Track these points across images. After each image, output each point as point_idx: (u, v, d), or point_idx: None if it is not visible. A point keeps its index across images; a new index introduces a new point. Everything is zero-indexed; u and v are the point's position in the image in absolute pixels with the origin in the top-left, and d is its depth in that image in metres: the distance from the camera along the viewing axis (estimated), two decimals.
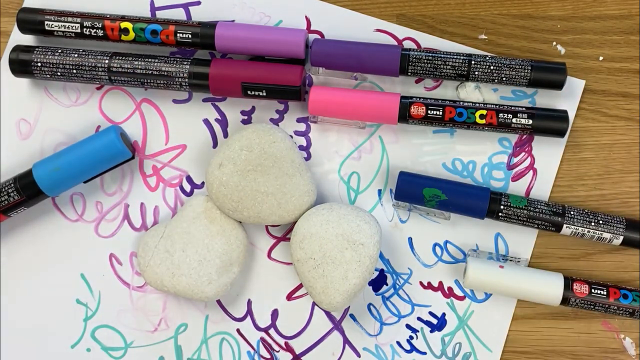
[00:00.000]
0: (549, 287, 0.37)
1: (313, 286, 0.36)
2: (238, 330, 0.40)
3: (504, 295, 0.39)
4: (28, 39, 0.41)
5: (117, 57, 0.39)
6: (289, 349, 0.40)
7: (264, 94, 0.38)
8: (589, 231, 0.37)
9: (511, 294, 0.38)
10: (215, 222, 0.38)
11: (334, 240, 0.36)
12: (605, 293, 0.37)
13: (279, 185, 0.37)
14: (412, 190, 0.38)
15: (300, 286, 0.40)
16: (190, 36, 0.39)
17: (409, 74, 0.39)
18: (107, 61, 0.39)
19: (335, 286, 0.36)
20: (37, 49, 0.39)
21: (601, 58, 0.40)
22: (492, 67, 0.38)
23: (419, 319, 0.40)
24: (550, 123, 0.38)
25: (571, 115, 0.40)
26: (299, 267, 0.37)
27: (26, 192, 0.38)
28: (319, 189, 0.40)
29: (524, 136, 0.40)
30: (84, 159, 0.38)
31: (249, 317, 0.40)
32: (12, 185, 0.38)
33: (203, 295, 0.37)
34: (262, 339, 0.40)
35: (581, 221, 0.37)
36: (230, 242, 0.38)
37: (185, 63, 0.39)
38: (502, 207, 0.37)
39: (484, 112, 0.38)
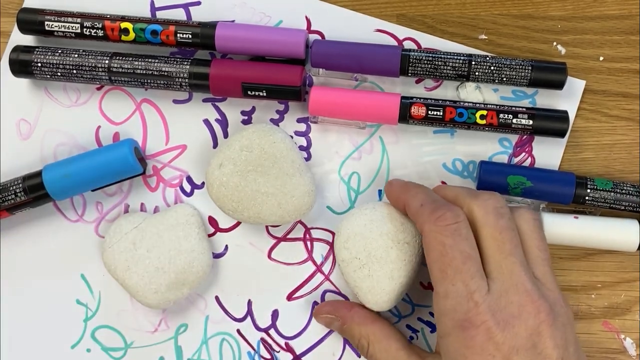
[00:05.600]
0: (624, 234, 0.37)
1: (359, 286, 0.36)
2: (238, 331, 0.40)
3: (580, 246, 0.38)
4: (28, 39, 0.41)
5: (117, 57, 0.39)
6: (289, 349, 0.40)
7: (264, 94, 0.38)
8: None
9: (587, 243, 0.38)
10: (189, 240, 0.38)
11: (378, 239, 0.36)
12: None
13: (279, 185, 0.37)
14: (495, 179, 0.38)
15: (300, 286, 0.40)
16: (190, 36, 0.39)
17: (409, 74, 0.39)
18: (107, 61, 0.39)
19: (381, 286, 0.36)
20: (37, 49, 0.39)
21: (601, 58, 0.40)
22: (492, 68, 0.38)
23: (420, 319, 0.40)
24: (551, 123, 0.38)
25: (571, 116, 0.40)
26: (343, 267, 0.37)
27: (33, 193, 0.38)
28: (319, 189, 0.40)
29: (525, 136, 0.40)
30: (94, 170, 0.38)
31: (249, 318, 0.40)
32: (20, 184, 0.38)
33: (145, 301, 0.37)
34: (262, 339, 0.40)
35: None
36: (192, 265, 0.38)
37: (185, 63, 0.38)
38: (588, 190, 0.37)
39: (485, 112, 0.38)
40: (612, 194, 0.37)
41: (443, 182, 0.40)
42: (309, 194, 0.38)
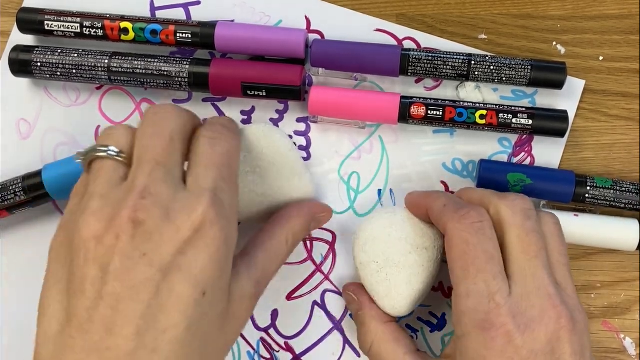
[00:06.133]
0: (624, 233, 0.37)
1: (376, 290, 0.36)
2: None
3: (580, 244, 0.38)
4: (28, 39, 0.41)
5: (117, 57, 0.39)
6: (289, 349, 0.40)
7: (264, 94, 0.38)
8: None
9: (587, 241, 0.38)
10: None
11: (397, 244, 0.36)
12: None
13: (278, 187, 0.37)
14: (495, 177, 0.38)
15: (300, 286, 0.40)
16: (190, 36, 0.39)
17: (409, 74, 0.39)
18: (106, 61, 0.39)
19: (398, 290, 0.35)
20: (37, 49, 0.39)
21: (601, 58, 0.40)
22: (492, 67, 0.38)
23: (419, 319, 0.40)
24: (550, 123, 0.38)
25: (571, 115, 0.40)
26: (361, 270, 0.36)
27: (33, 193, 0.38)
28: (318, 188, 0.40)
29: (524, 136, 0.40)
30: None
31: None
32: (20, 184, 0.38)
33: None
34: (262, 339, 0.40)
35: None
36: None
37: (185, 63, 0.39)
38: (588, 188, 0.37)
39: (484, 112, 0.38)
40: (612, 191, 0.37)
41: (443, 182, 0.40)
42: (307, 196, 0.37)
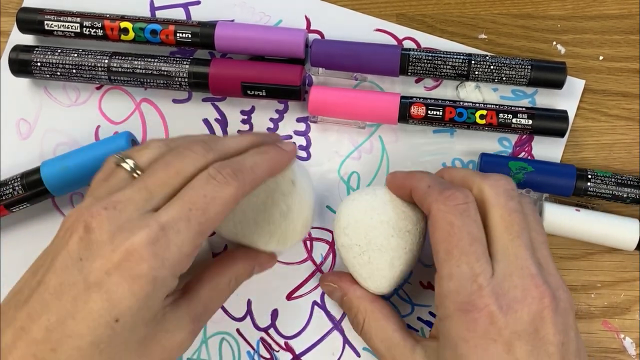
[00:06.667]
0: (624, 231, 0.37)
1: (359, 272, 0.36)
2: (238, 330, 0.40)
3: (579, 239, 0.38)
4: (28, 39, 0.41)
5: (117, 57, 0.39)
6: (288, 348, 0.40)
7: (264, 93, 0.38)
8: None
9: (586, 237, 0.38)
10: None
11: (379, 227, 0.35)
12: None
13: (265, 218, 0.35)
14: (496, 170, 0.37)
15: (299, 286, 0.40)
16: (190, 36, 0.39)
17: (409, 74, 0.39)
18: (106, 61, 0.39)
19: (381, 273, 0.35)
20: (36, 49, 0.39)
21: (601, 57, 0.40)
22: (492, 67, 0.38)
23: (419, 319, 0.40)
24: (550, 123, 0.38)
25: (571, 115, 0.40)
26: (343, 252, 0.36)
27: (31, 189, 0.38)
28: (318, 189, 0.40)
29: (524, 136, 0.40)
30: (92, 162, 0.38)
31: (248, 317, 0.40)
32: (19, 180, 0.38)
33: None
34: (261, 338, 0.40)
35: None
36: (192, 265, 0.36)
37: (185, 63, 0.39)
38: (589, 184, 0.37)
39: (484, 112, 0.38)
40: (613, 179, 0.37)
41: None
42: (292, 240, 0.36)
